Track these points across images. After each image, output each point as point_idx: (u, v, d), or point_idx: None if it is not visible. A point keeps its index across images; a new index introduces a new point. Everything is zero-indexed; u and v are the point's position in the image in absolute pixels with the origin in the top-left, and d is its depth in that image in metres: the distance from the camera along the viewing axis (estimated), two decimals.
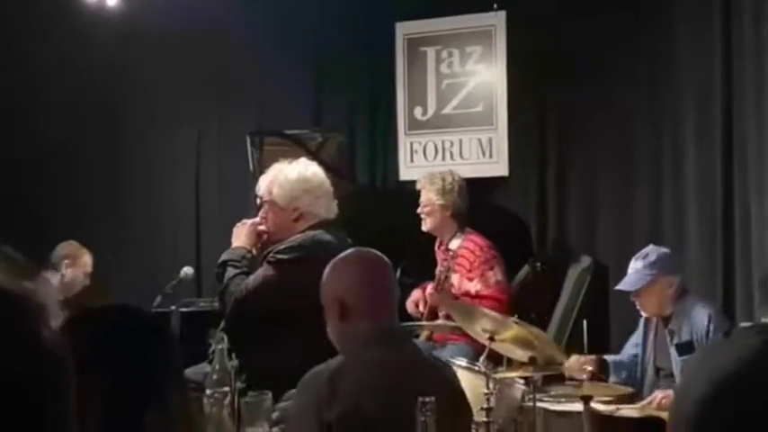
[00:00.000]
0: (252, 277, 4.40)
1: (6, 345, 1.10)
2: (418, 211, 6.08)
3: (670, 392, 4.80)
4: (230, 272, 4.47)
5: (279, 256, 4.39)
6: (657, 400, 4.78)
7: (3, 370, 1.10)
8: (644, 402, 4.83)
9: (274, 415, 3.51)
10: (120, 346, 1.71)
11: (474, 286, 5.81)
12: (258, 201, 4.68)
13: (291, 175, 4.54)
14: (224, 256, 4.58)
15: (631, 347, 5.32)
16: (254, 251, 4.59)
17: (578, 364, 4.99)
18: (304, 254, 4.35)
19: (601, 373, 5.11)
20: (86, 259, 6.86)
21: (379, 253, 3.16)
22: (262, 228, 4.62)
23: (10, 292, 1.17)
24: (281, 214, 4.52)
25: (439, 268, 5.91)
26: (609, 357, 5.29)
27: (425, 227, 6.06)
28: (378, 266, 3.12)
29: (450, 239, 6.00)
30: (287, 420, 3.12)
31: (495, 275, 5.89)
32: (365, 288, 3.02)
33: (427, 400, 2.09)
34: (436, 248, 6.14)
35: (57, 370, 1.13)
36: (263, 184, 4.60)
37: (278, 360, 4.19)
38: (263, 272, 4.39)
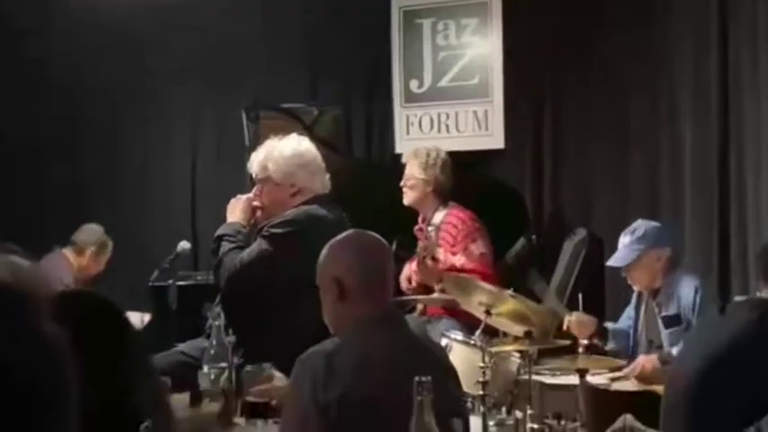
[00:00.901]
0: (246, 252, 4.41)
1: (5, 343, 1.10)
2: (401, 184, 6.07)
3: (653, 357, 4.85)
4: (225, 246, 4.48)
5: (273, 231, 4.40)
6: (640, 365, 4.82)
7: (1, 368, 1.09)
8: (628, 369, 4.87)
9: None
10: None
11: (458, 260, 5.80)
12: (253, 176, 4.69)
13: (286, 151, 4.55)
14: (219, 231, 4.59)
15: (626, 319, 5.36)
16: (248, 226, 4.60)
17: (582, 323, 5.03)
18: (298, 228, 4.37)
19: (600, 338, 5.15)
20: (109, 248, 6.93)
21: (378, 235, 3.16)
22: (256, 203, 4.63)
23: (9, 290, 1.16)
24: (277, 190, 4.53)
25: (419, 245, 5.89)
26: (608, 324, 5.33)
27: (406, 200, 6.05)
28: (377, 249, 3.12)
29: (432, 214, 5.99)
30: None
31: (479, 248, 5.87)
32: (363, 269, 3.02)
33: (424, 380, 2.10)
34: (418, 224, 6.12)
35: (55, 368, 1.12)
36: (257, 162, 4.61)
37: (273, 334, 4.22)
38: (257, 246, 4.41)
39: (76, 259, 6.82)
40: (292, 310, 4.32)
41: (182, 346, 4.58)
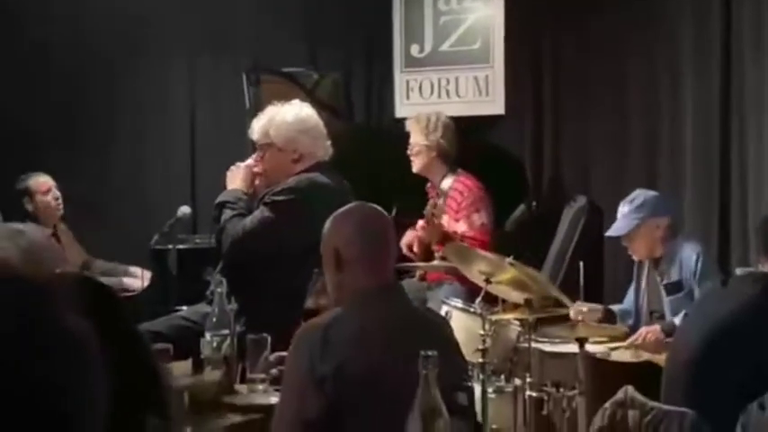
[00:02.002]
0: (248, 219, 4.40)
1: (28, 338, 1.06)
2: (408, 152, 6.07)
3: (656, 327, 4.87)
4: (227, 213, 4.46)
5: (275, 198, 4.39)
6: (643, 336, 4.84)
7: (24, 365, 1.06)
8: (630, 339, 4.89)
9: (272, 357, 3.55)
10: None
11: (459, 227, 5.83)
12: (255, 143, 4.67)
13: (288, 117, 4.53)
14: (220, 198, 4.57)
15: (631, 294, 5.37)
16: (249, 194, 4.59)
17: (587, 313, 5.04)
18: (301, 196, 4.36)
19: (609, 322, 5.16)
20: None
21: (380, 208, 3.15)
22: (257, 170, 4.61)
23: (29, 280, 1.11)
24: (280, 156, 4.52)
25: (429, 204, 5.89)
26: (615, 307, 5.33)
27: (415, 168, 6.06)
28: (378, 221, 3.12)
29: (440, 180, 6.00)
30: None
31: (481, 218, 5.89)
32: (363, 241, 3.01)
33: (429, 353, 2.10)
34: (427, 188, 6.14)
35: (81, 363, 1.08)
36: (258, 127, 4.58)
37: (275, 302, 4.23)
38: (259, 213, 4.39)
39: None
40: (294, 278, 4.33)
41: (183, 312, 4.59)
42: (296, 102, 4.68)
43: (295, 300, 4.32)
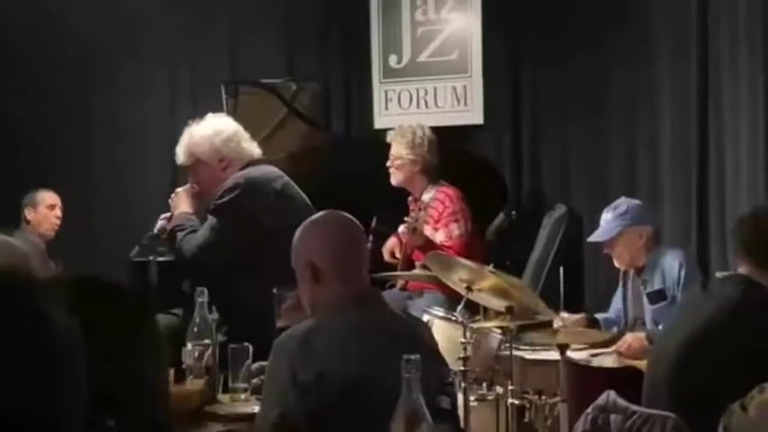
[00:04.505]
0: (200, 233, 4.54)
1: (18, 332, 1.05)
2: (388, 164, 6.05)
3: (640, 335, 4.88)
4: (179, 235, 4.61)
5: (217, 202, 4.51)
6: (628, 343, 4.84)
7: (12, 362, 1.04)
8: (615, 346, 4.89)
9: (254, 366, 3.54)
10: None
11: (438, 236, 5.83)
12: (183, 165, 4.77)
13: (206, 131, 4.68)
14: (171, 224, 4.70)
15: (617, 301, 5.38)
16: (196, 214, 4.71)
17: (572, 323, 5.05)
18: (241, 190, 4.49)
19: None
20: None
21: (349, 215, 3.15)
22: (195, 188, 4.74)
23: (15, 276, 1.11)
24: (208, 169, 4.65)
25: (411, 215, 5.88)
26: (600, 315, 5.35)
27: (394, 180, 6.04)
28: (348, 229, 3.10)
29: (421, 193, 6.00)
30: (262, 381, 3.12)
31: (459, 228, 5.88)
32: (336, 251, 3.00)
33: (412, 357, 2.09)
34: (409, 201, 6.13)
35: (72, 357, 1.07)
36: (181, 151, 4.73)
37: (251, 295, 4.23)
38: (207, 224, 4.55)
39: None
40: (263, 267, 4.35)
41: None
42: (209, 115, 4.82)
43: (268, 286, 4.34)
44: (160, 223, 4.99)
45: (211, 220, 4.52)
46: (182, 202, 4.74)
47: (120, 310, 1.35)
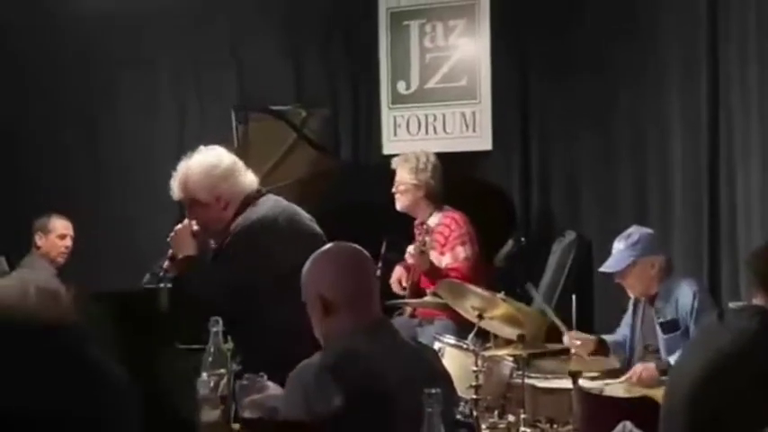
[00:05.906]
0: (215, 286, 4.26)
1: (67, 384, 1.02)
2: (393, 190, 6.07)
3: (650, 365, 4.87)
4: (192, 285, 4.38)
5: (227, 253, 4.32)
6: (638, 374, 4.83)
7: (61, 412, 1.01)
8: (625, 377, 4.88)
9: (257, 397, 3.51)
10: None
11: (445, 260, 5.84)
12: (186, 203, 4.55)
13: (200, 168, 4.42)
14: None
15: (624, 328, 5.36)
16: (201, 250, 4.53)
17: (581, 343, 5.03)
18: (250, 237, 4.29)
19: (602, 353, 5.15)
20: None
21: (357, 246, 3.16)
22: (194, 227, 4.49)
23: (54, 323, 1.06)
24: (207, 210, 4.42)
25: (417, 240, 5.88)
26: (608, 337, 5.31)
27: (399, 206, 6.06)
28: (358, 261, 3.12)
29: (427, 217, 6.01)
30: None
31: (465, 251, 5.90)
32: (346, 283, 3.02)
33: (433, 391, 2.11)
34: (416, 224, 6.14)
35: (122, 405, 1.05)
36: (176, 188, 4.49)
37: (271, 338, 4.18)
38: (218, 277, 4.28)
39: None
40: (277, 311, 4.26)
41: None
42: (202, 148, 4.54)
43: (293, 336, 4.28)
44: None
45: (222, 273, 4.28)
46: (185, 243, 4.49)
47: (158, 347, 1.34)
